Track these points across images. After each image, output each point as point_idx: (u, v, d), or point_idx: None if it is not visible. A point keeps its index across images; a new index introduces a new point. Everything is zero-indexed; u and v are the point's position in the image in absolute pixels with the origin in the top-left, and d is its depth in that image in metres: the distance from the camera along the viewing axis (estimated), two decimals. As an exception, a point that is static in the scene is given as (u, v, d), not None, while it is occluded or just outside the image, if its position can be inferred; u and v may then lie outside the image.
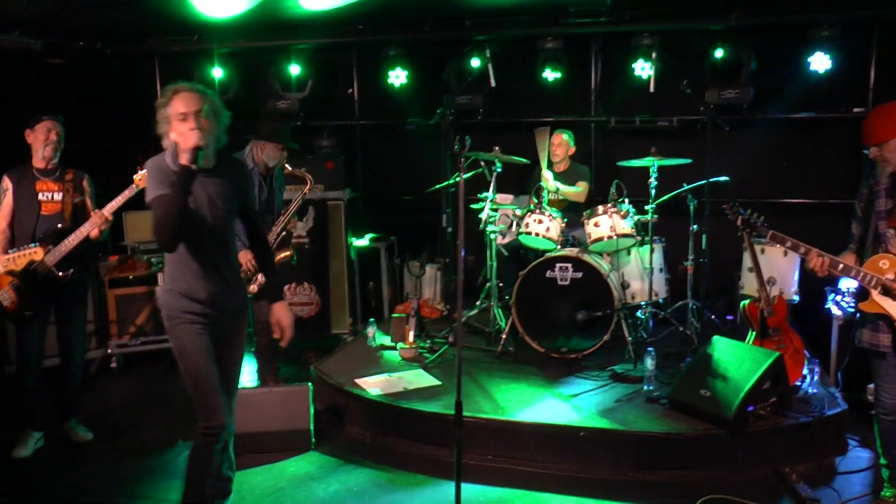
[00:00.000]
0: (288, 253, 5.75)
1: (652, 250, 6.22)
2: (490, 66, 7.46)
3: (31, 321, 4.95)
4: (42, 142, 4.98)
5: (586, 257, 6.01)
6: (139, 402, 6.13)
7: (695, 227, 6.37)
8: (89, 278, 5.80)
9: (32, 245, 4.73)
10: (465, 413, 4.83)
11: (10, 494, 4.38)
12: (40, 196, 5.00)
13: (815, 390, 5.15)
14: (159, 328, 6.96)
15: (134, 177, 4.96)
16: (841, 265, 3.94)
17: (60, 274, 4.89)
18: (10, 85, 6.91)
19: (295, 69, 7.92)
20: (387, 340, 6.57)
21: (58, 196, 5.04)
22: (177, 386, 6.43)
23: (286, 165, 5.80)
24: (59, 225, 4.95)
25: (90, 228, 4.87)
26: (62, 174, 5.10)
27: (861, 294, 4.04)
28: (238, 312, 3.87)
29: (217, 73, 8.00)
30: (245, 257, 5.60)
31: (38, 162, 5.03)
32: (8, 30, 6.85)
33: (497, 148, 6.29)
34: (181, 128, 3.47)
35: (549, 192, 6.59)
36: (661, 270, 6.52)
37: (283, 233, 5.71)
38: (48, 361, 5.81)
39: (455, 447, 3.13)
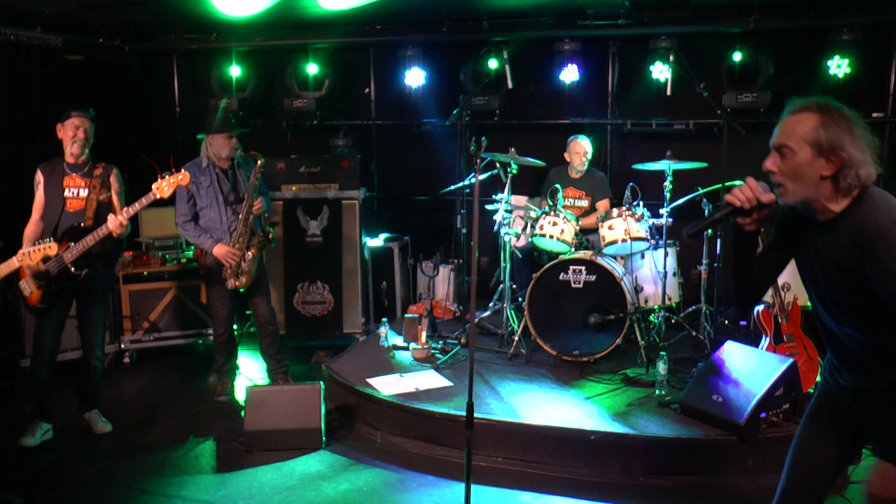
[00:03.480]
0: (260, 236, 5.73)
1: (666, 254, 6.19)
2: (507, 67, 7.46)
3: (46, 313, 5.01)
4: (70, 138, 5.03)
5: (600, 260, 5.99)
6: (151, 398, 6.16)
7: (709, 231, 6.33)
8: (110, 275, 5.83)
9: (47, 240, 4.75)
10: (475, 414, 4.84)
11: (22, 487, 4.40)
12: (66, 192, 5.06)
13: (828, 398, 5.11)
14: (172, 324, 7.01)
15: (152, 185, 4.98)
16: None
17: (75, 271, 4.94)
18: (31, 80, 6.96)
19: (312, 68, 7.94)
20: (399, 340, 6.57)
21: (83, 193, 5.08)
22: (189, 382, 6.49)
23: (239, 151, 5.78)
24: (80, 223, 4.99)
25: (106, 232, 4.92)
26: (91, 169, 5.14)
27: None
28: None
29: (235, 71, 8.03)
30: (220, 251, 5.62)
31: (67, 156, 5.09)
32: (29, 26, 6.92)
33: (513, 149, 6.30)
34: None
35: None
36: (674, 274, 6.49)
37: (251, 217, 5.67)
38: (69, 355, 5.88)
39: (466, 448, 3.12)
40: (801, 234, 2.65)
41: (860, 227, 2.41)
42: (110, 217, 4.93)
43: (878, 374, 2.59)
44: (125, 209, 4.95)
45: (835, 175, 2.44)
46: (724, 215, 2.62)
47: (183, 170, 5.23)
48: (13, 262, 4.74)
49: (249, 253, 5.68)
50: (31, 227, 5.09)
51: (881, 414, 2.64)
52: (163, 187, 5.00)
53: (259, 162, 5.67)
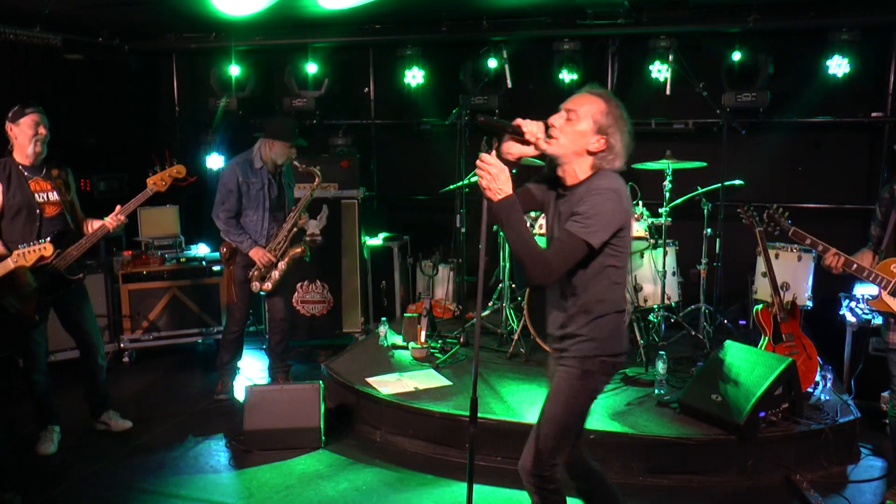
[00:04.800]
0: (300, 249, 5.81)
1: (665, 253, 6.19)
2: (507, 66, 7.45)
3: (38, 324, 4.86)
4: (30, 137, 4.73)
5: (599, 260, 5.97)
6: (151, 397, 6.15)
7: (709, 230, 6.34)
8: (101, 270, 5.76)
9: (42, 241, 4.56)
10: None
11: (22, 487, 4.40)
12: (37, 197, 4.79)
13: (827, 397, 5.12)
14: (172, 323, 7.00)
15: (148, 181, 4.92)
16: (855, 265, 4.11)
17: (73, 278, 4.86)
18: (30, 80, 6.95)
19: (312, 67, 7.93)
20: (398, 340, 6.57)
21: (53, 196, 4.86)
22: (188, 382, 6.49)
23: (295, 162, 5.86)
24: (63, 228, 4.83)
25: (103, 233, 4.83)
26: (49, 171, 4.89)
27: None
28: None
29: (234, 70, 8.02)
30: (257, 253, 5.66)
31: (23, 158, 4.79)
32: (29, 25, 6.91)
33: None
34: None
35: None
36: (673, 274, 6.49)
37: (294, 229, 5.77)
38: (63, 355, 5.86)
39: (469, 445, 3.12)
40: (550, 194, 3.22)
41: (588, 190, 3.01)
42: (111, 217, 4.86)
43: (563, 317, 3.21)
44: (124, 206, 4.86)
45: (597, 153, 3.04)
46: (507, 127, 3.07)
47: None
48: (8, 264, 4.55)
49: (282, 263, 5.72)
50: None
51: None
52: (159, 182, 4.93)
53: (317, 179, 5.82)
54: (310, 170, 5.81)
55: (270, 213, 5.77)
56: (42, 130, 4.78)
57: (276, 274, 5.75)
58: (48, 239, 4.61)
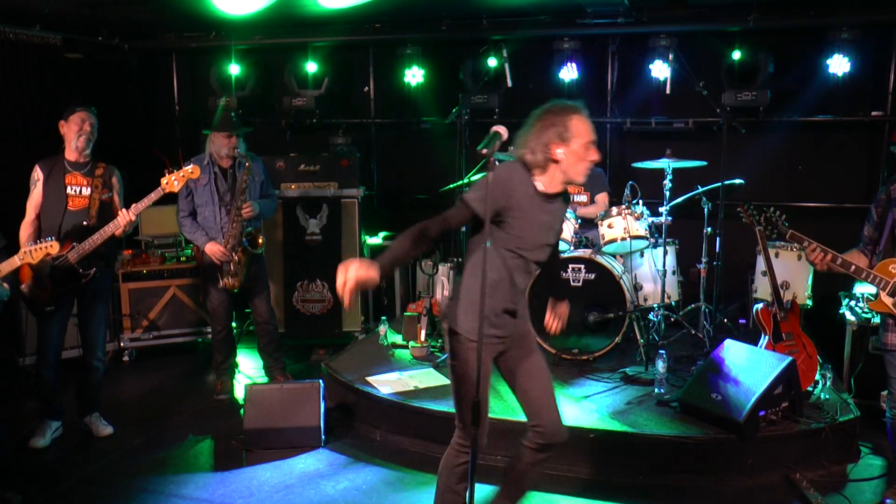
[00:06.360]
0: (244, 237, 5.74)
1: (665, 252, 6.19)
2: (507, 65, 7.44)
3: (51, 316, 4.97)
4: (75, 133, 4.98)
5: (599, 259, 5.99)
6: (151, 397, 6.16)
7: (708, 229, 6.34)
8: (112, 275, 5.83)
9: (49, 239, 4.64)
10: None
11: (22, 485, 4.40)
12: (68, 190, 5.00)
13: (827, 396, 5.12)
14: (172, 322, 7.01)
15: (161, 180, 4.96)
16: (840, 259, 4.06)
17: (83, 271, 4.91)
18: (30, 79, 6.95)
19: (312, 67, 7.94)
20: (398, 339, 6.57)
21: (85, 191, 5.04)
22: (188, 381, 6.49)
23: (239, 150, 5.74)
24: (84, 222, 4.95)
25: (114, 229, 4.88)
26: (93, 168, 5.10)
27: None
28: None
29: (234, 69, 8.02)
30: (212, 249, 5.64)
31: (70, 154, 5.03)
32: (28, 24, 6.91)
33: (513, 148, 6.28)
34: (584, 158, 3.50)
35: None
36: (673, 273, 6.49)
37: (239, 219, 5.68)
38: (69, 353, 5.86)
39: (472, 445, 3.16)
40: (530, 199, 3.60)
41: None
42: (119, 213, 4.89)
43: None
44: (134, 205, 4.91)
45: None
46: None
47: (193, 162, 5.22)
48: (14, 261, 4.61)
49: (235, 256, 5.68)
50: (27, 227, 5.01)
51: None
52: (172, 182, 4.99)
53: (247, 164, 5.68)
54: (241, 155, 5.70)
55: (223, 208, 5.73)
56: (87, 127, 5.03)
57: (231, 268, 5.71)
58: (53, 238, 4.68)
